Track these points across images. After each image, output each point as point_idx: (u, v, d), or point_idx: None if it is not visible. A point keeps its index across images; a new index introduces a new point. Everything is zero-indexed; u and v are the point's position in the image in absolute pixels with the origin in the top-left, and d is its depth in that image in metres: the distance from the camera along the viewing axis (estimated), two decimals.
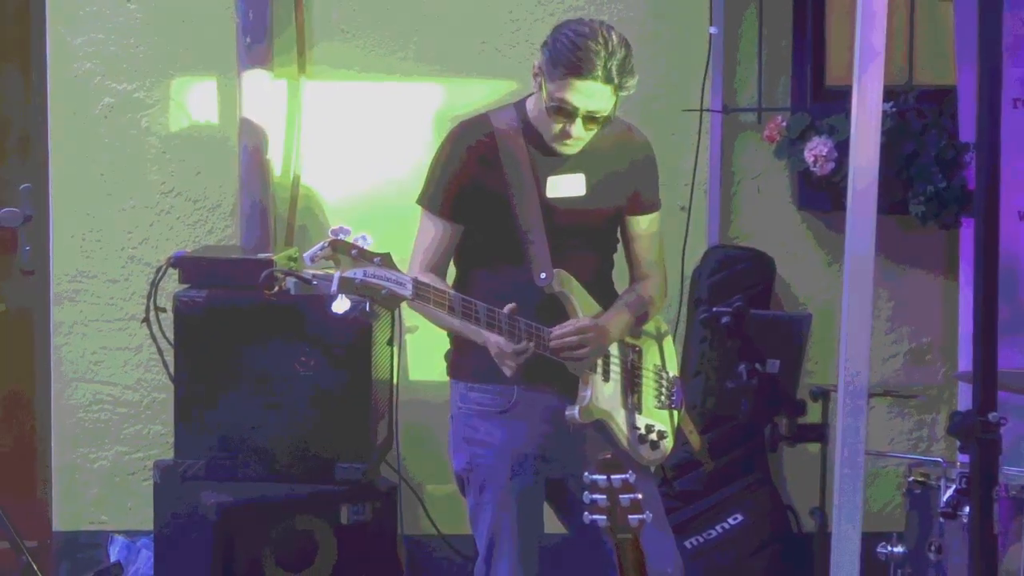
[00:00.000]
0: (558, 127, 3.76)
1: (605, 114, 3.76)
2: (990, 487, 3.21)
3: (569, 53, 3.69)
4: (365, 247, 3.41)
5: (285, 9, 5.34)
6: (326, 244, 3.38)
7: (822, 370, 5.17)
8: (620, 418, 3.86)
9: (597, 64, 3.68)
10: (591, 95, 3.71)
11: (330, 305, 3.42)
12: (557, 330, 3.74)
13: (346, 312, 3.44)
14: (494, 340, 3.70)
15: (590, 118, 3.75)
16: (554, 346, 3.72)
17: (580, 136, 3.78)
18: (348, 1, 5.40)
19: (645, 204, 3.99)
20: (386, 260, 3.44)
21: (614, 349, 3.88)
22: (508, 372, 3.72)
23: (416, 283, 3.50)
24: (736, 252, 5.45)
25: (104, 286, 5.42)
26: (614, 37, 3.72)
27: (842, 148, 5.08)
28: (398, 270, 3.46)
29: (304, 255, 3.41)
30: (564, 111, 3.73)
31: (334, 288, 3.37)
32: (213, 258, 4.98)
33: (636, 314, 3.94)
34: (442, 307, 3.60)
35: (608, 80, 3.70)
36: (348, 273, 3.38)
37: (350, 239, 3.40)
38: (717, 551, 5.29)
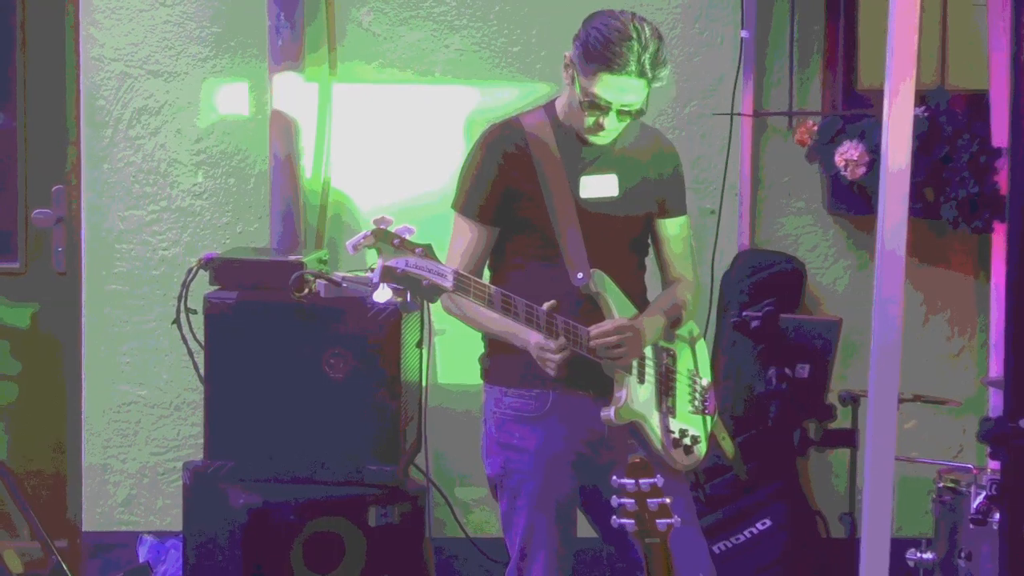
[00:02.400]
0: (591, 120, 3.76)
1: (639, 107, 3.76)
2: (1021, 494, 3.19)
3: (602, 48, 3.68)
4: (407, 238, 3.40)
5: (316, 11, 5.35)
6: (369, 233, 3.37)
7: (852, 375, 5.15)
8: (654, 421, 3.85)
9: (631, 59, 3.67)
10: (624, 89, 3.71)
11: (371, 294, 3.40)
12: (595, 329, 3.73)
13: (387, 302, 3.42)
14: (535, 340, 3.69)
15: (624, 111, 3.75)
16: (592, 345, 3.72)
17: (613, 128, 3.79)
18: (379, 3, 5.41)
19: (672, 210, 3.99)
20: (427, 251, 3.44)
21: (649, 352, 3.87)
22: (552, 372, 3.70)
23: (457, 275, 3.49)
24: (766, 256, 5.43)
25: (135, 287, 5.44)
26: (647, 30, 3.71)
27: (873, 153, 5.07)
28: (439, 261, 3.45)
29: (347, 243, 3.40)
30: (597, 105, 3.73)
31: (376, 278, 3.37)
32: (244, 260, 4.99)
33: (671, 318, 3.93)
34: (482, 301, 3.59)
35: (641, 74, 3.70)
36: (391, 262, 3.37)
37: (393, 229, 3.39)
38: (745, 556, 5.28)
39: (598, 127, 3.77)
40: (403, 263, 3.38)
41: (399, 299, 3.50)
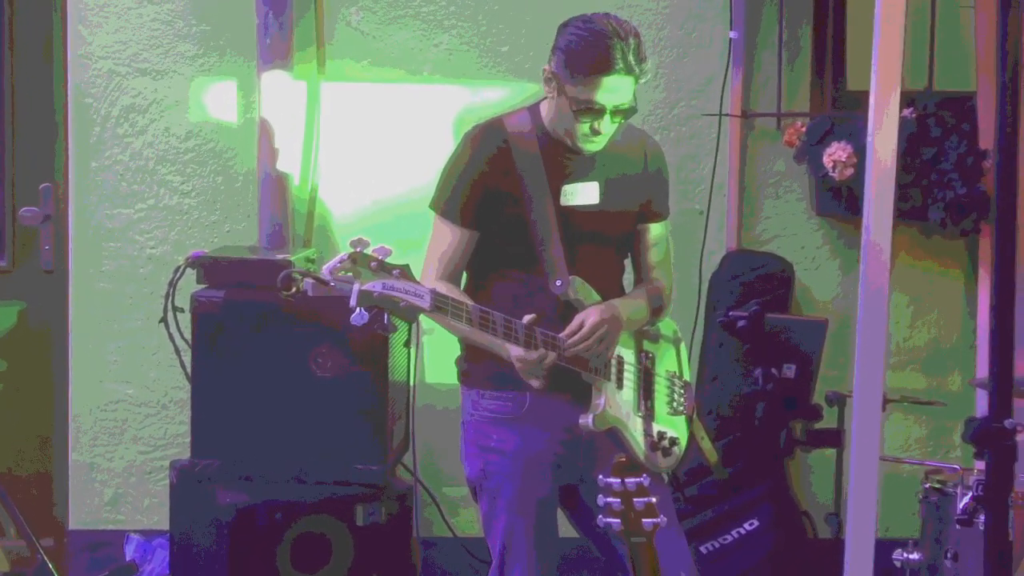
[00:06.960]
0: (586, 127, 3.73)
1: (630, 104, 3.75)
2: (1006, 494, 3.19)
3: (586, 52, 3.67)
4: (384, 259, 3.41)
5: (305, 10, 5.34)
6: (346, 256, 3.38)
7: (839, 375, 5.16)
8: (633, 425, 3.85)
9: (616, 57, 3.66)
10: (615, 89, 3.70)
11: (349, 317, 3.41)
12: (567, 332, 3.72)
13: (365, 324, 3.43)
14: (516, 354, 3.69)
15: (617, 111, 3.74)
16: (569, 355, 3.71)
17: (608, 131, 3.77)
18: (368, 2, 5.41)
19: (656, 213, 3.98)
20: (405, 272, 3.44)
21: (630, 356, 3.87)
22: (536, 384, 3.71)
23: (434, 295, 3.50)
24: (754, 257, 5.43)
25: (122, 286, 5.43)
26: (623, 26, 3.70)
27: (861, 154, 5.07)
28: (416, 282, 3.46)
29: (323, 268, 3.40)
30: (592, 110, 3.72)
31: (353, 301, 3.37)
32: (231, 258, 4.99)
33: (652, 305, 3.93)
34: (460, 319, 3.59)
35: (629, 71, 3.68)
36: (367, 286, 3.38)
37: (369, 251, 3.40)
38: (733, 556, 5.28)
39: (594, 132, 3.74)
40: (379, 286, 3.39)
41: (388, 312, 3.49)
